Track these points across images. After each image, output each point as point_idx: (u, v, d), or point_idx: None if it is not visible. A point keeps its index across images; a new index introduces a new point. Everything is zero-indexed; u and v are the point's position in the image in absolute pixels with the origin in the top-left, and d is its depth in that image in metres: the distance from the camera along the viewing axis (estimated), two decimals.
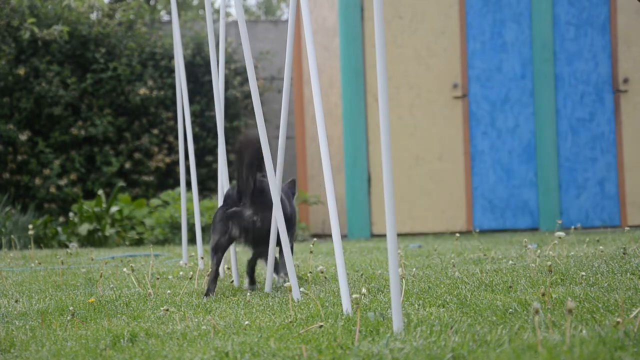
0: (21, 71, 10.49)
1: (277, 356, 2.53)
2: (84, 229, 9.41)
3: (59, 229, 9.57)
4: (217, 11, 17.29)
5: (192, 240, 8.48)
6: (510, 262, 4.90)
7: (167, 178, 11.02)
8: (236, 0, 4.02)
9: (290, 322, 3.08)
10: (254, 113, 9.27)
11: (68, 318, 3.42)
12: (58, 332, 3.17)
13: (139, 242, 9.52)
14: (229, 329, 3.02)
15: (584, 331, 2.64)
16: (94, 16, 11.40)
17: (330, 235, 9.47)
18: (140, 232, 9.61)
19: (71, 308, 3.64)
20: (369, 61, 9.60)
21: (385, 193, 2.82)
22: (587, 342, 2.45)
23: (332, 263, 5.44)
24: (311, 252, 4.44)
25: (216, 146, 10.74)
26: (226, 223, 4.06)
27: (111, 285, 4.66)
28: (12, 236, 8.89)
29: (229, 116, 11.09)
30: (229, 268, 5.08)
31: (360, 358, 2.46)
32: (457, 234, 6.09)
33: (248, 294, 3.93)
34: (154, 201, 10.02)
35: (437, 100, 9.72)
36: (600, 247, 5.07)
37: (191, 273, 4.71)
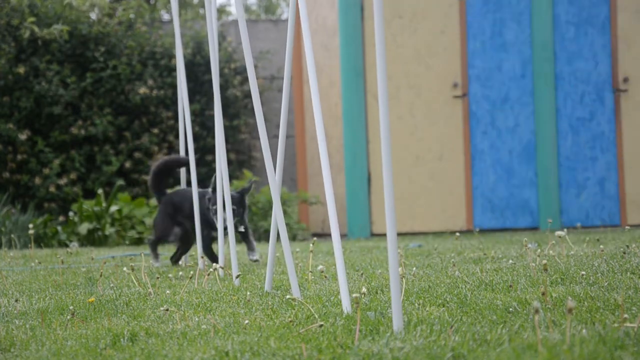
0: (21, 70, 10.49)
1: (277, 355, 2.53)
2: (83, 228, 9.41)
3: (59, 228, 9.56)
4: (217, 10, 17.29)
5: None
6: (511, 261, 4.90)
7: (167, 177, 11.00)
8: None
9: (290, 321, 3.08)
10: (253, 112, 9.27)
11: (68, 317, 3.42)
12: (58, 332, 3.17)
13: (139, 241, 9.53)
14: (229, 328, 3.02)
15: (584, 330, 2.64)
16: (94, 15, 11.40)
17: (330, 235, 9.47)
18: (140, 232, 9.61)
19: (71, 307, 3.64)
20: (369, 61, 9.60)
21: (385, 192, 2.82)
22: (587, 341, 2.45)
23: (332, 262, 5.44)
24: (311, 251, 4.44)
25: None
26: None
27: (111, 285, 4.66)
28: (12, 235, 8.89)
29: (229, 115, 11.08)
30: (222, 268, 5.08)
31: (360, 357, 2.46)
32: (457, 233, 6.09)
33: (248, 293, 3.93)
34: (154, 201, 10.02)
35: (437, 99, 9.72)
36: (601, 246, 5.07)
37: (191, 272, 4.72)
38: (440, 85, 9.72)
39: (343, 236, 9.54)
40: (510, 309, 3.13)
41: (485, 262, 5.01)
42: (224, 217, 5.23)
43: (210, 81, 10.98)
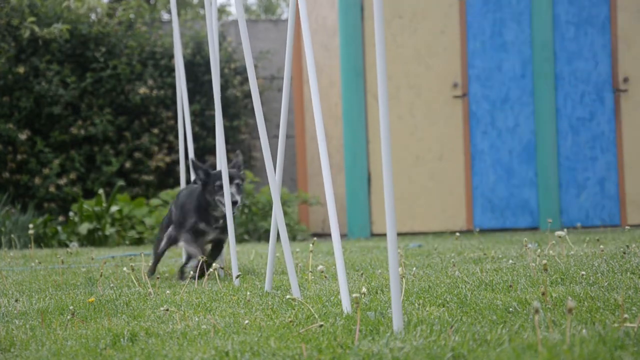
0: (21, 70, 10.49)
1: (277, 355, 2.53)
2: (84, 228, 9.40)
3: (59, 228, 9.56)
4: (217, 10, 17.28)
5: None
6: (511, 261, 4.90)
7: (167, 177, 11.01)
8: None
9: (290, 321, 3.08)
10: (253, 112, 9.27)
11: (68, 317, 3.42)
12: (58, 332, 3.17)
13: (139, 242, 9.53)
14: (229, 328, 3.02)
15: (584, 330, 2.64)
16: (94, 15, 11.39)
17: (330, 235, 9.46)
18: (140, 232, 9.61)
19: (71, 307, 3.64)
20: (369, 61, 9.60)
21: (385, 192, 2.82)
22: (587, 341, 2.45)
23: (332, 262, 5.44)
24: (311, 251, 4.44)
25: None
26: None
27: (111, 285, 4.66)
28: (12, 235, 8.89)
29: (229, 115, 11.08)
30: (222, 268, 5.08)
31: (360, 357, 2.46)
32: (457, 233, 6.09)
33: (248, 293, 3.93)
34: (154, 201, 10.01)
35: (437, 99, 9.71)
36: (601, 246, 5.07)
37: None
38: (440, 85, 9.72)
39: (343, 236, 9.54)
40: (510, 309, 3.13)
41: (485, 262, 5.01)
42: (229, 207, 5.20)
43: (210, 81, 10.98)
